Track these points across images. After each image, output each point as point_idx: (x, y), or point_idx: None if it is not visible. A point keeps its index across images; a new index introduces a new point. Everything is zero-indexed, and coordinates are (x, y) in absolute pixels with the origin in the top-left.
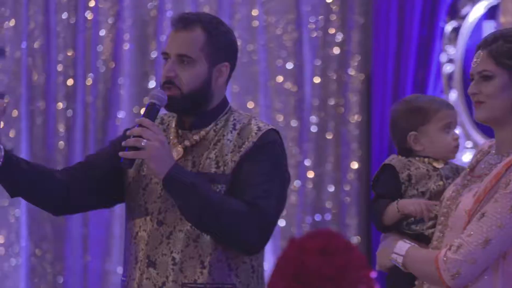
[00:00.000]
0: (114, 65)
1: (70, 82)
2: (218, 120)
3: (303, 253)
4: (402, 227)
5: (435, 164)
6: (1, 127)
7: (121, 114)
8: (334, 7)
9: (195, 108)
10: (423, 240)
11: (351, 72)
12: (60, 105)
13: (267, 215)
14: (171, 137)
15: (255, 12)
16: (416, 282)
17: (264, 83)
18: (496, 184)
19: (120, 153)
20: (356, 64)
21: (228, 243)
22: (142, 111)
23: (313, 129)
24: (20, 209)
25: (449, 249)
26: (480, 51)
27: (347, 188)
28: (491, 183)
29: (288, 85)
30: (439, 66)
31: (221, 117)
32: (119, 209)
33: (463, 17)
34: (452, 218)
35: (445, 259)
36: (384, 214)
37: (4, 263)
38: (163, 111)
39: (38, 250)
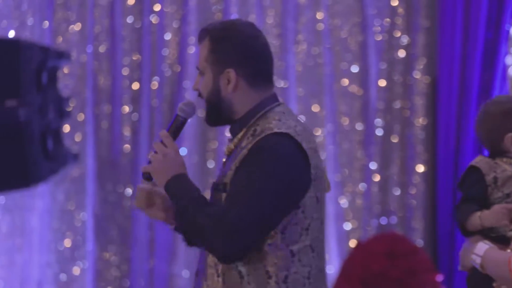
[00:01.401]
0: (179, 69)
1: (135, 86)
2: (247, 127)
3: (369, 256)
4: (485, 230)
5: None
6: None
7: None
8: (399, 10)
9: (219, 117)
10: (506, 242)
11: (417, 75)
12: (126, 108)
13: (232, 224)
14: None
15: (320, 15)
16: (494, 284)
17: (329, 86)
18: None
19: (141, 168)
20: (421, 67)
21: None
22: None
23: (379, 132)
24: (87, 212)
25: None
26: None
27: (412, 191)
28: None
29: (354, 88)
30: (505, 68)
31: (250, 124)
32: None
33: None
34: None
35: None
36: (467, 221)
37: (70, 266)
38: None
39: (104, 254)
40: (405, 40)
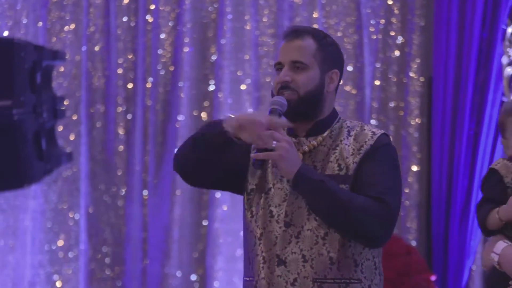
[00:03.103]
0: (174, 68)
1: (130, 85)
2: (332, 127)
3: None
4: (507, 230)
5: None
6: None
7: (180, 117)
8: (394, 10)
9: (310, 112)
10: None
11: (412, 74)
12: (120, 108)
13: (391, 210)
14: None
15: (315, 15)
16: (510, 282)
17: None
18: None
19: (252, 155)
20: (416, 66)
21: (355, 237)
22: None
23: None
24: (79, 212)
25: None
26: None
27: (406, 191)
28: None
29: (348, 87)
30: (500, 68)
31: (335, 125)
32: (178, 213)
33: None
34: None
35: None
36: (487, 220)
37: (63, 266)
38: None
39: (97, 254)
40: (400, 39)
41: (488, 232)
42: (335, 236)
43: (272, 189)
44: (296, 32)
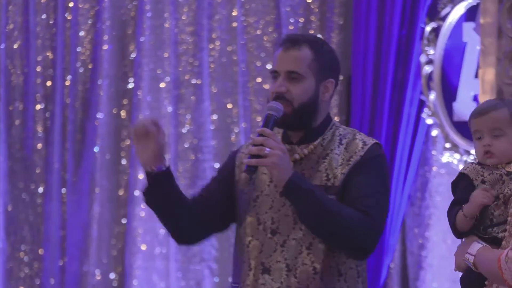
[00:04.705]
0: (93, 66)
1: (49, 83)
2: (324, 135)
3: None
4: (479, 231)
5: (507, 168)
6: None
7: (100, 115)
8: (313, 8)
9: (304, 122)
10: (498, 243)
11: None
12: (39, 106)
13: (378, 223)
14: None
15: (234, 13)
16: (486, 282)
17: (244, 83)
18: None
19: (245, 161)
20: None
21: (341, 247)
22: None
23: None
24: None
25: (511, 248)
26: None
27: None
28: None
29: (268, 86)
30: (419, 67)
31: (327, 132)
32: (96, 211)
33: (443, 18)
34: None
35: (506, 259)
36: (456, 221)
37: None
38: None
39: (15, 252)
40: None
41: (459, 234)
42: (319, 247)
43: (260, 197)
44: (293, 41)
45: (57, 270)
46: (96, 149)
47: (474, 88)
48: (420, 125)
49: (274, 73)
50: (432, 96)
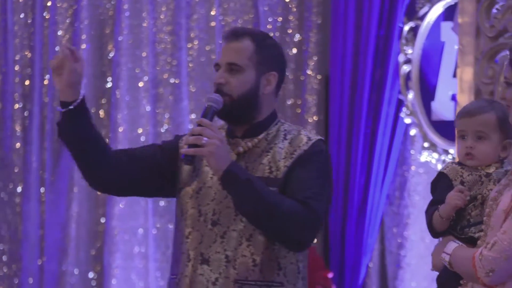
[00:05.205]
0: None
1: (27, 82)
2: (269, 129)
3: None
4: (456, 231)
5: (487, 170)
6: None
7: None
8: (292, 8)
9: (245, 115)
10: (474, 243)
11: (309, 72)
12: (17, 105)
13: (316, 215)
14: None
15: (213, 12)
16: (461, 281)
17: None
18: None
19: (182, 150)
20: (313, 64)
21: (279, 238)
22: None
23: None
24: None
25: (485, 247)
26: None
27: None
28: None
29: None
30: (397, 66)
31: (272, 127)
32: (75, 210)
33: (421, 18)
34: (493, 217)
35: (480, 257)
36: (432, 222)
37: None
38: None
39: None
40: (297, 37)
41: (435, 234)
42: (260, 239)
43: (203, 188)
44: (235, 34)
45: (35, 270)
46: None
47: (452, 87)
48: (398, 125)
49: (216, 66)
50: (410, 95)
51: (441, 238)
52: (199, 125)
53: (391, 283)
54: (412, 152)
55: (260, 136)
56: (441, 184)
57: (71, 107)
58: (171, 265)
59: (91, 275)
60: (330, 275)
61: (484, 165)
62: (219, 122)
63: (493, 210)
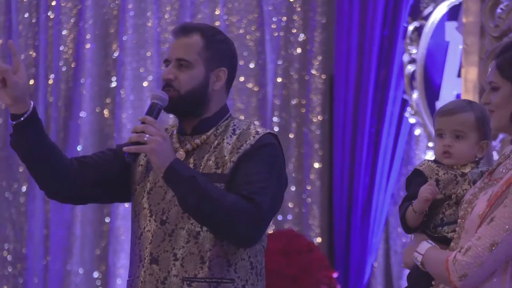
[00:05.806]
0: (75, 65)
1: (31, 82)
2: (218, 125)
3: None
4: (429, 229)
5: (462, 169)
6: None
7: (83, 114)
8: (296, 7)
9: (192, 110)
10: (447, 243)
11: (313, 72)
12: None
13: (262, 210)
14: (173, 143)
15: (217, 12)
16: (433, 282)
17: None
18: (507, 189)
19: (124, 148)
20: (318, 64)
21: (224, 235)
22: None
23: (275, 129)
24: None
25: (459, 251)
26: (493, 61)
27: (308, 188)
28: (502, 188)
29: (250, 84)
30: (401, 66)
31: (222, 123)
32: (80, 209)
33: (425, 18)
34: (467, 221)
35: (454, 261)
36: (406, 217)
37: None
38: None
39: None
40: (302, 37)
41: (408, 229)
42: (207, 235)
43: (154, 188)
44: (184, 30)
45: (40, 269)
46: (79, 148)
47: (457, 87)
48: (403, 124)
49: (166, 62)
50: (415, 95)
51: (412, 236)
52: (143, 122)
53: (396, 282)
54: (416, 151)
55: (209, 132)
56: (416, 180)
57: (22, 119)
58: (129, 267)
59: (96, 274)
60: (335, 274)
61: (461, 164)
62: (176, 120)
63: (468, 214)
